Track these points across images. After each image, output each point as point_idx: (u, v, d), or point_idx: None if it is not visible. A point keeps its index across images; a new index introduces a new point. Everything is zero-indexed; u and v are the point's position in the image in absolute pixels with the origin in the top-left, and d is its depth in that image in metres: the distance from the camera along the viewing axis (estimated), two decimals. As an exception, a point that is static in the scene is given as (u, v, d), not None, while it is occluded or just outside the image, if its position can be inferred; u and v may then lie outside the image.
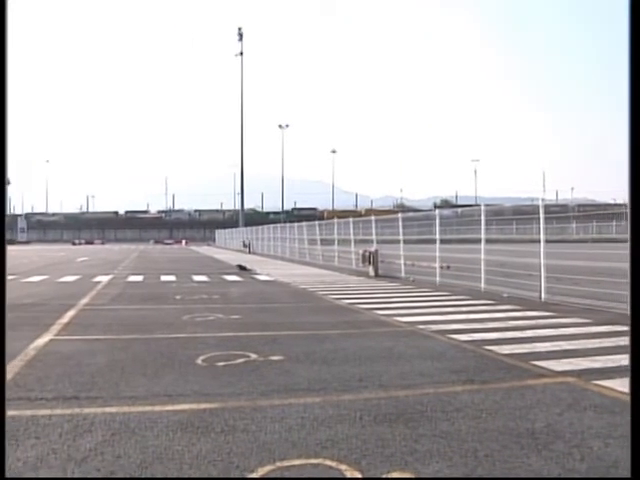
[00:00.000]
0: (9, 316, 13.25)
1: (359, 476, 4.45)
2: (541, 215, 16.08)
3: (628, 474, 3.35)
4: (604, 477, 4.42)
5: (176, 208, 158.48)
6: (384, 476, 4.44)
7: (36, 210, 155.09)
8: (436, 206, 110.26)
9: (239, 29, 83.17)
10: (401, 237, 25.09)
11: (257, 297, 18.40)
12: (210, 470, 4.60)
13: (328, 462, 4.71)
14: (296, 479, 4.45)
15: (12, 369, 8.06)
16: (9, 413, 6.11)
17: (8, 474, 4.55)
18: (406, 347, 9.74)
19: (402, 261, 24.96)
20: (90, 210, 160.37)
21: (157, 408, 6.28)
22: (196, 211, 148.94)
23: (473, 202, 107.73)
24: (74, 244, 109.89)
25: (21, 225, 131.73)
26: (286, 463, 4.70)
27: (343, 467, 4.60)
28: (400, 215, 26.06)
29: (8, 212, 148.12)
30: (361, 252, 27.79)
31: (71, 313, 14.09)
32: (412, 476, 4.44)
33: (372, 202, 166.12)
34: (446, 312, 13.98)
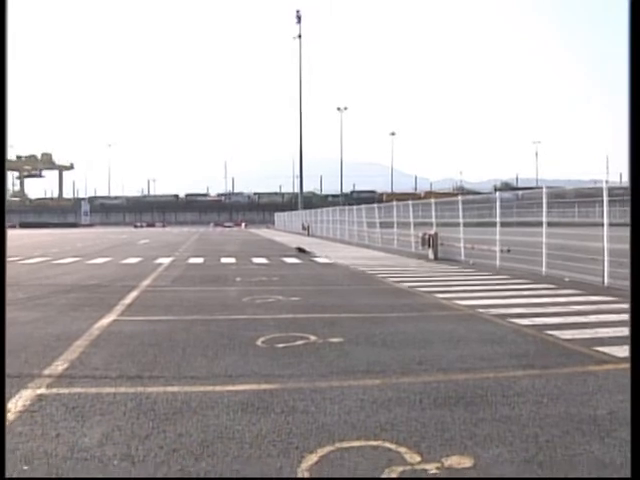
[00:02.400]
0: (74, 297, 13.62)
1: (418, 459, 4.45)
2: (605, 198, 15.74)
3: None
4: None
5: (236, 191, 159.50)
6: (443, 460, 4.44)
7: (99, 194, 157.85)
8: (496, 189, 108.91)
9: (297, 11, 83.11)
10: (461, 220, 24.84)
11: (316, 279, 18.48)
12: (270, 450, 4.65)
13: (387, 444, 4.72)
14: None
15: (77, 349, 8.27)
16: (75, 390, 6.30)
17: (78, 448, 4.68)
18: (466, 331, 9.68)
19: (462, 244, 24.72)
20: (151, 193, 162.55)
21: (218, 388, 6.37)
22: (255, 194, 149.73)
23: (534, 185, 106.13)
24: (136, 227, 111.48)
25: (84, 208, 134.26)
26: (345, 444, 4.73)
27: (402, 450, 4.61)
28: (460, 198, 25.81)
29: (72, 196, 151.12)
30: (420, 235, 27.63)
31: (134, 294, 14.35)
32: (472, 461, 4.42)
33: (431, 185, 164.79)
34: (506, 296, 13.84)
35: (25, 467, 4.36)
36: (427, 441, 4.80)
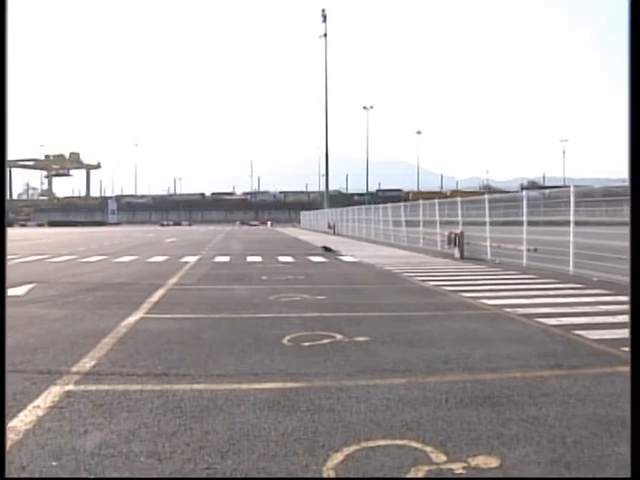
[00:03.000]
0: (101, 294, 13.73)
1: (444, 458, 4.44)
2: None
3: None
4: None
5: (261, 190, 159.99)
6: (469, 459, 4.42)
7: (126, 192, 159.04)
8: (523, 187, 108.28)
9: (323, 10, 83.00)
10: (487, 219, 24.72)
11: (342, 278, 18.47)
12: (296, 448, 4.66)
13: (413, 444, 4.71)
14: None
15: (105, 346, 8.33)
16: (102, 387, 6.36)
17: (106, 444, 4.72)
18: (492, 330, 9.64)
19: (488, 243, 24.61)
20: (177, 192, 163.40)
21: (244, 386, 6.39)
22: (281, 193, 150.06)
23: (561, 183, 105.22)
24: (162, 225, 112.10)
25: (111, 207, 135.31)
26: (371, 443, 4.73)
27: (428, 449, 4.60)
28: (486, 196, 25.68)
29: (99, 194, 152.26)
30: (447, 234, 27.53)
31: (160, 292, 14.44)
32: (498, 461, 4.40)
33: (457, 183, 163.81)
34: (533, 295, 13.75)
35: (54, 463, 4.40)
36: (453, 441, 4.78)
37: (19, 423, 5.22)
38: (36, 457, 4.50)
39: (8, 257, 26.74)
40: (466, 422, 5.22)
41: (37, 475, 4.23)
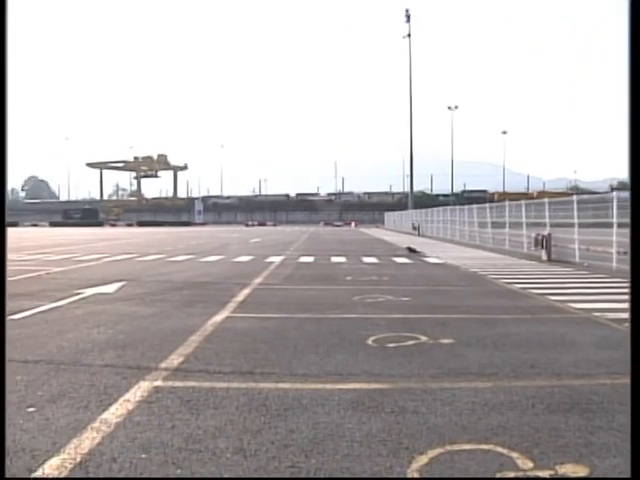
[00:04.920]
0: (188, 293, 13.99)
1: (531, 465, 4.35)
2: None
3: None
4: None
5: (345, 190, 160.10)
6: (557, 467, 4.33)
7: (212, 193, 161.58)
8: (613, 188, 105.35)
9: (406, 10, 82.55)
10: (575, 220, 24.14)
11: (426, 279, 18.34)
12: (380, 449, 4.65)
13: (499, 449, 4.64)
14: None
15: (192, 343, 8.50)
16: (189, 384, 6.49)
17: (192, 440, 4.81)
18: (580, 334, 9.42)
19: (576, 245, 24.04)
20: (262, 193, 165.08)
21: (328, 386, 6.41)
22: (365, 193, 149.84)
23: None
24: (247, 226, 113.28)
25: (198, 208, 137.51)
26: (456, 447, 4.68)
27: (514, 455, 4.52)
28: (575, 197, 25.11)
29: (186, 195, 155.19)
30: (533, 235, 27.03)
31: (246, 292, 14.61)
32: (587, 470, 4.29)
33: (544, 184, 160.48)
34: (623, 300, 13.32)
35: (143, 455, 4.51)
36: (540, 447, 4.69)
37: (110, 416, 5.38)
38: (126, 449, 4.62)
39: (99, 255, 27.61)
40: (554, 428, 5.10)
41: (127, 466, 4.34)
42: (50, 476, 4.21)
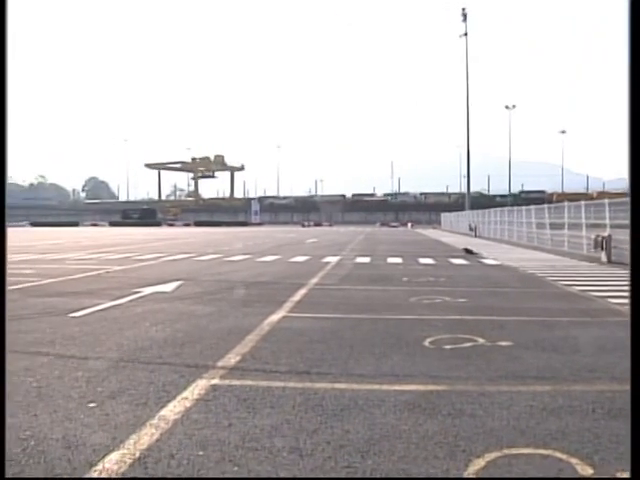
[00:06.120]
0: (245, 292, 14.07)
1: (591, 472, 4.27)
2: None
3: None
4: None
5: (401, 191, 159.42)
6: (618, 475, 4.24)
7: (268, 194, 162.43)
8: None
9: (463, 9, 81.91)
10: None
11: (484, 281, 18.14)
12: (436, 451, 4.61)
13: (558, 454, 4.55)
14: None
15: (249, 343, 8.55)
16: (246, 383, 6.53)
17: (249, 438, 4.84)
18: (643, 339, 9.21)
19: (638, 247, 23.50)
20: (318, 193, 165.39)
21: (385, 387, 6.39)
22: (422, 194, 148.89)
23: None
24: (303, 226, 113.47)
25: (254, 208, 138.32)
26: (514, 451, 4.61)
27: (574, 461, 4.43)
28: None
29: (243, 195, 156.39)
30: (593, 237, 26.54)
31: (302, 292, 14.64)
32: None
33: (604, 184, 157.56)
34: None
35: (200, 452, 4.56)
36: (601, 453, 4.59)
37: (168, 413, 5.45)
38: (184, 446, 4.68)
39: (157, 255, 28.00)
40: (614, 434, 4.98)
41: (185, 462, 4.39)
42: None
